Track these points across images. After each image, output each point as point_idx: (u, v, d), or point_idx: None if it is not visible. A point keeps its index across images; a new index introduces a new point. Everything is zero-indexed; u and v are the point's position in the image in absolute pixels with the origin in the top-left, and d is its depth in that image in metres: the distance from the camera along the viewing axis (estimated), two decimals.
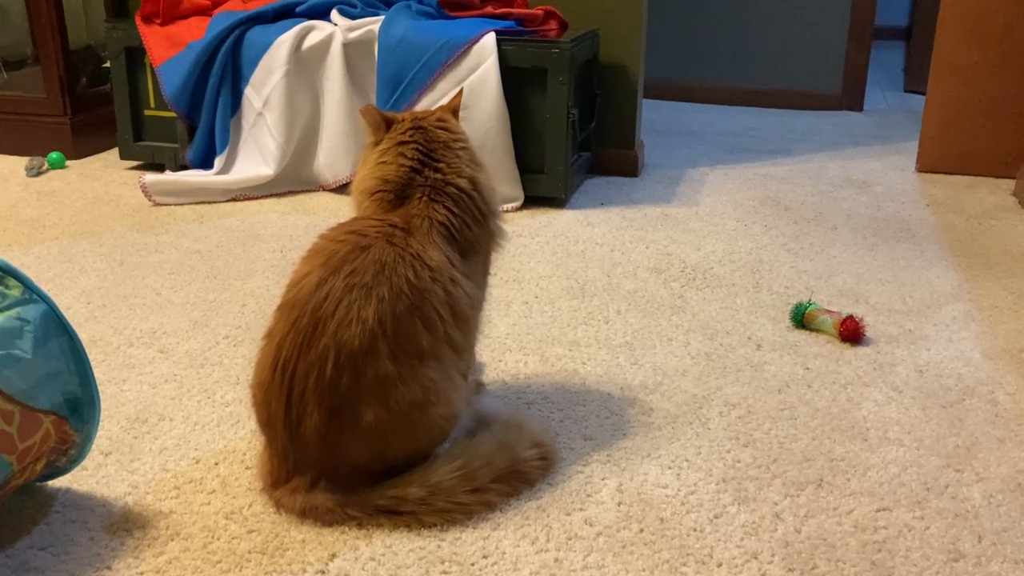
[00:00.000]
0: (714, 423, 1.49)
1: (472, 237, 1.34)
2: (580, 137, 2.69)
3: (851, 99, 4.04)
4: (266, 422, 1.24)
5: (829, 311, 1.83)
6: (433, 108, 1.45)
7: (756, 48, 4.06)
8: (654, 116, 3.79)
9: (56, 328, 1.18)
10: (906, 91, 4.52)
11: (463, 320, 1.28)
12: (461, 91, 1.47)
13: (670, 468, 1.36)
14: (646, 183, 2.85)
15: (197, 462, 1.36)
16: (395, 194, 1.31)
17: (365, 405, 1.18)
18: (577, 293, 2.00)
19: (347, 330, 1.17)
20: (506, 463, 1.29)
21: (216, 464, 1.35)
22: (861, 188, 2.85)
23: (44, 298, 1.18)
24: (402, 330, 1.20)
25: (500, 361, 1.69)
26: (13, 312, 1.14)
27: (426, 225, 1.28)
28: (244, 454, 1.38)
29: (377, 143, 1.35)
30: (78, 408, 1.20)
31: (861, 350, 1.76)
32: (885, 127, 3.72)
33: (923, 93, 4.33)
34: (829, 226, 2.48)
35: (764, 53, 4.06)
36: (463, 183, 1.32)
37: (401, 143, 1.33)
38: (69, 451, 1.23)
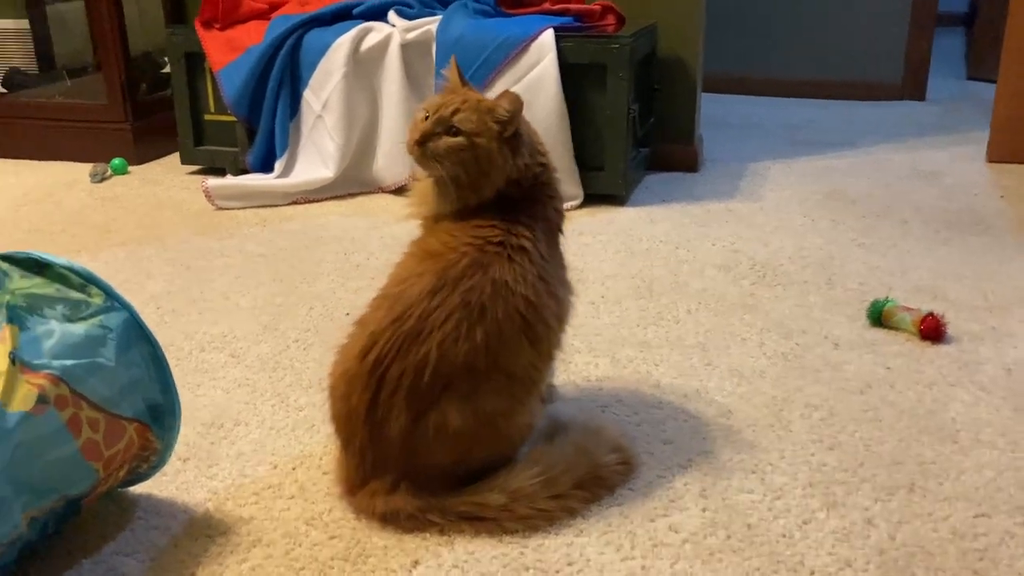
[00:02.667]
0: (796, 426, 1.45)
1: (562, 229, 1.33)
2: (640, 133, 2.65)
3: (913, 88, 3.94)
4: (345, 416, 1.22)
5: (908, 308, 1.77)
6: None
7: (813, 38, 3.98)
8: (710, 109, 3.72)
9: (137, 336, 1.18)
10: (969, 79, 4.39)
11: (564, 322, 1.28)
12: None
13: (754, 472, 1.33)
14: (707, 178, 2.81)
15: (275, 467, 1.35)
16: (519, 194, 1.27)
17: (454, 412, 1.17)
18: (644, 292, 1.97)
19: (453, 346, 1.16)
20: (587, 468, 1.26)
21: (294, 469, 1.35)
22: (930, 180, 2.77)
23: (125, 306, 1.18)
24: (507, 348, 1.19)
25: (570, 363, 1.66)
26: (96, 320, 1.15)
27: (545, 229, 1.26)
28: (320, 459, 1.37)
29: (511, 142, 1.27)
30: (159, 415, 1.20)
31: (943, 348, 1.70)
32: (950, 116, 3.62)
33: (989, 81, 4.21)
34: (899, 220, 2.41)
35: (821, 43, 3.97)
36: (557, 175, 1.30)
37: (530, 136, 1.28)
38: (151, 457, 1.23)
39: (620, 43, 2.41)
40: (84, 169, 2.94)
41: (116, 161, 2.91)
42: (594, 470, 1.27)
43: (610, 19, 2.64)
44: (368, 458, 1.21)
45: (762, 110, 3.78)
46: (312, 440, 1.42)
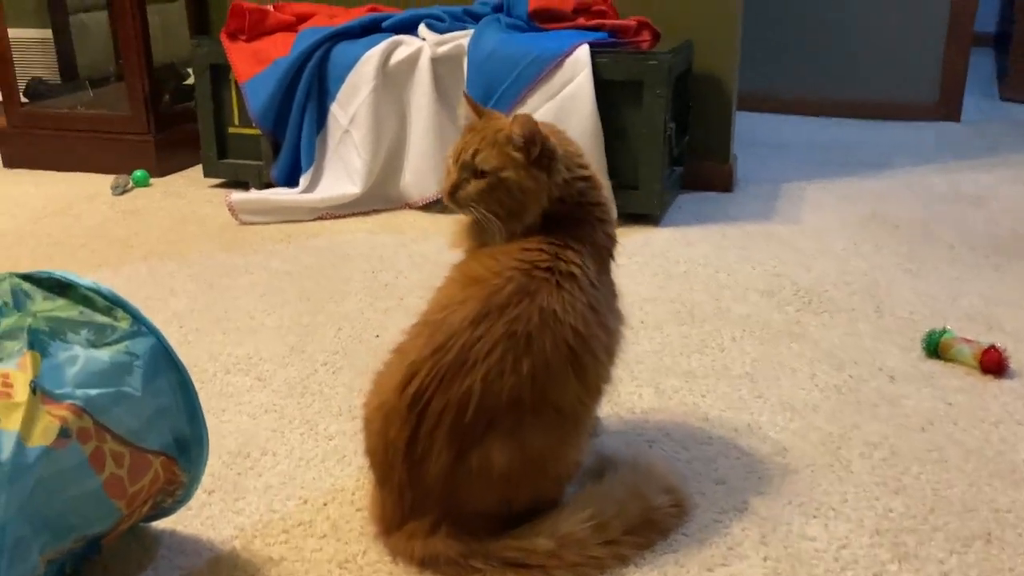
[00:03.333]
0: (856, 466, 1.36)
1: (613, 255, 1.26)
2: (676, 152, 2.57)
3: (948, 109, 3.85)
4: (382, 452, 1.15)
5: (967, 340, 1.69)
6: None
7: (844, 56, 3.90)
8: (741, 128, 3.65)
9: (165, 362, 1.11)
10: (1003, 100, 4.31)
11: (615, 356, 1.20)
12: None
13: (815, 517, 1.24)
14: (742, 198, 2.73)
15: (305, 502, 1.28)
16: (565, 216, 1.20)
17: (499, 451, 1.09)
18: (685, 318, 1.89)
19: (498, 380, 1.08)
20: (639, 512, 1.18)
21: (325, 505, 1.27)
22: (974, 204, 2.68)
23: (153, 330, 1.11)
24: (554, 382, 1.11)
25: (613, 392, 1.58)
26: (122, 346, 1.08)
27: (594, 254, 1.19)
28: (353, 494, 1.29)
29: (540, 162, 1.21)
30: (186, 447, 1.13)
31: (1006, 383, 1.61)
32: (987, 138, 3.53)
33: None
34: (945, 245, 2.33)
35: (853, 61, 3.89)
36: (607, 195, 1.23)
37: (569, 155, 1.22)
38: (176, 492, 1.16)
39: (658, 59, 2.34)
40: (106, 181, 2.89)
41: (138, 173, 2.86)
42: (646, 513, 1.19)
43: (645, 35, 2.57)
44: (407, 498, 1.14)
45: (792, 129, 3.70)
46: (344, 473, 1.35)
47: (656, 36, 2.59)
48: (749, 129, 3.65)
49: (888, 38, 3.84)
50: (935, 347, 1.70)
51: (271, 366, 1.68)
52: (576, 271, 1.17)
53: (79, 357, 1.03)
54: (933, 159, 3.21)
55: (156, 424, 1.08)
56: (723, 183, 2.79)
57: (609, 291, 1.25)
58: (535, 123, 1.17)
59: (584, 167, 1.23)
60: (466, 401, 1.09)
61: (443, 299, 1.16)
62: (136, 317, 1.11)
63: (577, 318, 1.14)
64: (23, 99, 3.16)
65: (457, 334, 1.10)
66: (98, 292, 1.10)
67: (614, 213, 1.27)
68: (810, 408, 1.53)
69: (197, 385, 1.61)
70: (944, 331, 1.71)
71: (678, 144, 2.60)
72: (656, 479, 1.24)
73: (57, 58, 3.29)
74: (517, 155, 1.17)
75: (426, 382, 1.10)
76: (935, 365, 1.68)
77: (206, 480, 1.32)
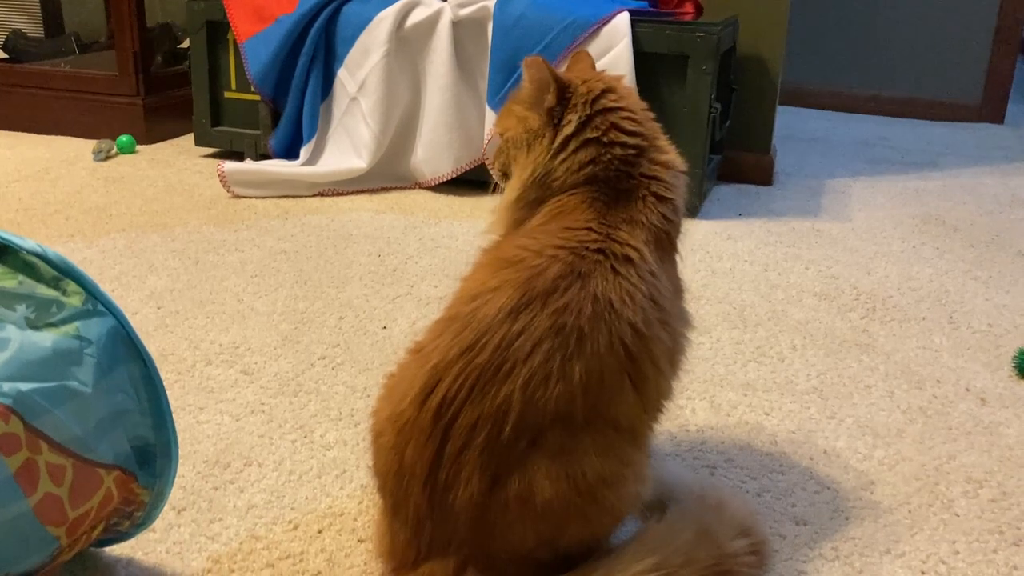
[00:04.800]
0: (961, 507, 1.13)
1: (677, 246, 1.02)
2: (719, 136, 2.34)
3: (992, 111, 3.63)
4: (394, 476, 0.91)
5: None
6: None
7: (888, 55, 3.67)
8: (779, 122, 3.41)
9: (126, 351, 0.87)
10: None
11: (678, 366, 0.97)
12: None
13: (923, 573, 1.01)
14: (783, 193, 2.49)
15: (295, 527, 1.04)
16: (610, 190, 0.98)
17: (544, 477, 0.86)
18: (736, 321, 1.66)
19: (543, 387, 0.85)
20: (711, 559, 0.95)
21: (320, 532, 1.03)
22: None
23: (112, 309, 0.87)
24: (608, 390, 0.88)
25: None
26: (71, 328, 0.84)
27: (652, 239, 0.95)
28: (355, 519, 1.06)
29: (551, 113, 1.01)
30: (149, 459, 0.89)
31: None
32: None
33: None
34: (1015, 252, 2.10)
35: (897, 59, 3.66)
36: (683, 181, 1.00)
37: (609, 111, 0.99)
38: (135, 513, 0.92)
39: (706, 32, 2.10)
40: (88, 146, 2.64)
41: (123, 139, 2.61)
42: (720, 562, 0.95)
43: (688, 7, 2.34)
44: (425, 532, 0.90)
45: (828, 124, 3.47)
46: (343, 492, 1.11)
47: (699, 9, 2.36)
48: (787, 123, 3.43)
49: (934, 37, 3.61)
50: None
51: (260, 358, 1.44)
52: (633, 255, 0.93)
53: (11, 340, 0.80)
54: (982, 161, 2.98)
55: (110, 429, 0.84)
56: (763, 175, 2.56)
57: (674, 286, 1.02)
58: (544, 66, 0.98)
59: (633, 132, 1.00)
60: (504, 414, 0.86)
61: (472, 288, 0.92)
62: (91, 292, 0.87)
63: (636, 312, 0.91)
64: (1, 55, 2.91)
65: (491, 329, 0.86)
66: (44, 258, 0.86)
67: (679, 194, 1.02)
68: (894, 433, 1.30)
69: (173, 377, 1.39)
70: None
71: (720, 128, 2.37)
72: (729, 518, 1.01)
73: (42, 11, 3.03)
74: (518, 108, 1.01)
75: (454, 390, 0.86)
76: None
77: (176, 495, 1.08)
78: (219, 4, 2.42)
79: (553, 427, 0.88)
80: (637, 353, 0.91)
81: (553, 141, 1.00)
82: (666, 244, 1.01)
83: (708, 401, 1.37)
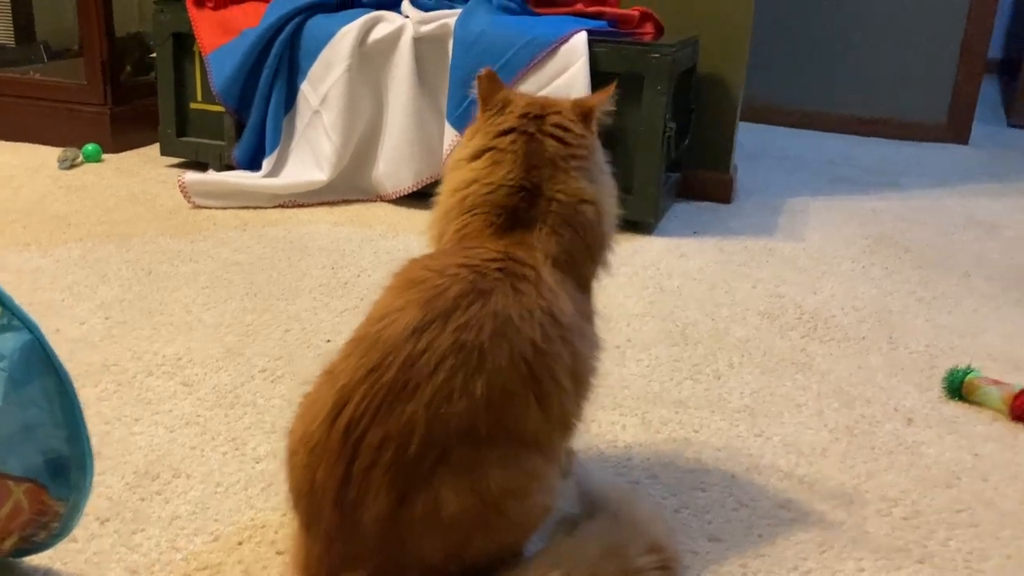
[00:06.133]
0: (873, 525, 1.16)
1: (586, 272, 1.04)
2: (674, 155, 2.37)
3: (957, 131, 3.67)
4: (307, 494, 0.94)
5: (996, 381, 1.49)
6: (562, 100, 1.13)
7: (853, 72, 3.72)
8: (743, 139, 3.46)
9: (40, 365, 0.89)
10: (1010, 126, 4.15)
11: (584, 386, 0.99)
12: (615, 85, 1.15)
13: None
14: (742, 211, 2.53)
15: (216, 539, 1.06)
16: (509, 216, 1.01)
17: (449, 492, 0.88)
18: (677, 338, 1.69)
19: (446, 403, 0.88)
20: (617, 574, 0.97)
21: (240, 544, 1.05)
22: (989, 231, 2.49)
23: (27, 323, 0.89)
24: (511, 408, 0.91)
25: (592, 421, 1.37)
26: None
27: (550, 263, 0.98)
28: (276, 532, 1.08)
29: (471, 132, 1.05)
30: (62, 471, 0.91)
31: None
32: (998, 164, 3.35)
33: None
34: (960, 273, 2.14)
35: (863, 77, 3.71)
36: (589, 211, 1.02)
37: (504, 140, 1.03)
38: (50, 524, 0.94)
39: (661, 52, 2.14)
40: (54, 154, 2.66)
41: (89, 147, 2.63)
42: None
43: (648, 27, 2.38)
44: (336, 548, 0.92)
45: (796, 142, 3.52)
46: (268, 504, 1.13)
47: (660, 29, 2.39)
48: (751, 141, 3.47)
49: (899, 55, 3.66)
50: (958, 387, 1.51)
51: (201, 370, 1.46)
52: (530, 273, 0.97)
53: None
54: (942, 182, 3.03)
55: (21, 443, 0.86)
56: (722, 193, 2.59)
57: (579, 307, 1.04)
58: (484, 82, 1.09)
59: (527, 162, 1.03)
60: (409, 432, 0.88)
61: (379, 309, 0.95)
62: (7, 306, 0.89)
63: (535, 328, 0.93)
64: None
65: (395, 349, 0.89)
66: None
67: (580, 221, 1.04)
68: (818, 452, 1.33)
69: (112, 388, 1.41)
70: (968, 370, 1.52)
71: (677, 147, 2.40)
72: (641, 534, 1.03)
73: (13, 18, 3.05)
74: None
75: (360, 410, 0.89)
76: (958, 408, 1.48)
77: (101, 505, 1.10)
78: (186, 16, 2.45)
79: (459, 442, 0.90)
80: (538, 369, 0.93)
81: (468, 159, 1.04)
82: (567, 267, 1.03)
83: (640, 417, 1.40)
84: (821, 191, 2.81)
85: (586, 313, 1.04)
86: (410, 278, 0.96)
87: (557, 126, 1.04)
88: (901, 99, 3.69)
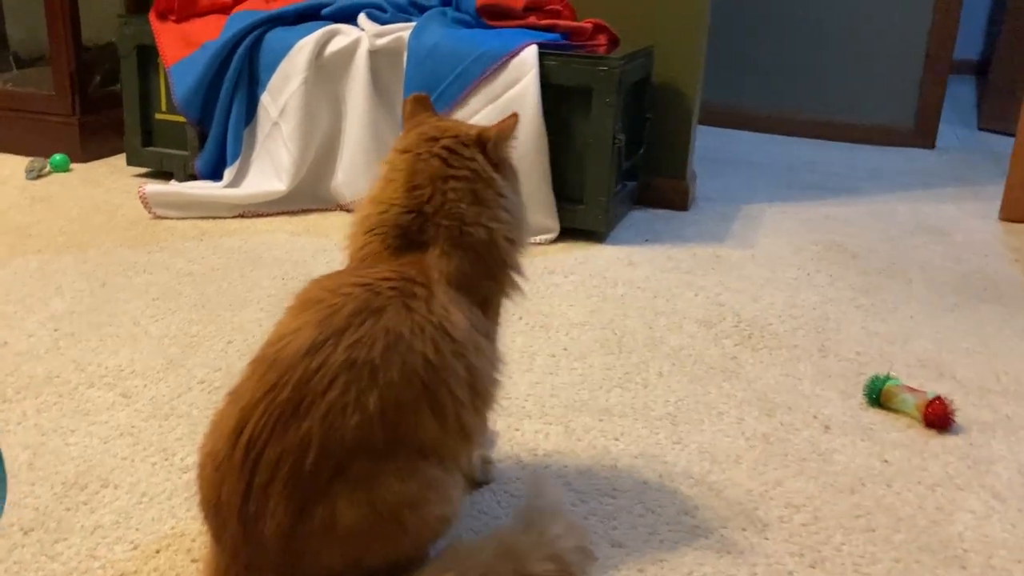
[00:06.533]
0: (773, 531, 1.21)
1: (486, 292, 1.09)
2: (626, 165, 2.42)
3: (923, 135, 3.72)
4: (214, 507, 0.99)
5: (912, 389, 1.54)
6: (471, 124, 1.17)
7: (820, 76, 3.77)
8: (704, 143, 3.51)
9: None
10: (981, 129, 4.19)
11: (483, 399, 1.04)
12: (515, 118, 1.13)
13: None
14: (697, 218, 2.58)
15: (135, 547, 1.11)
16: (403, 237, 1.06)
17: (346, 504, 0.93)
18: (613, 347, 1.73)
19: (340, 418, 0.92)
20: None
21: (157, 552, 1.10)
22: (937, 236, 2.54)
23: None
24: (406, 420, 0.96)
25: (516, 430, 1.42)
26: None
27: (445, 282, 1.03)
28: (193, 540, 1.13)
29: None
30: None
31: (950, 440, 1.46)
32: (961, 168, 3.40)
33: (1002, 132, 4.01)
34: (903, 280, 2.19)
35: (829, 81, 3.76)
36: (479, 233, 1.06)
37: (398, 159, 1.09)
38: None
39: (609, 65, 2.18)
40: (22, 163, 2.70)
41: (57, 157, 2.67)
42: None
43: (601, 39, 2.42)
44: (241, 559, 0.97)
45: (760, 147, 3.57)
46: (189, 514, 1.18)
47: (614, 41, 2.44)
48: (714, 145, 3.52)
49: (865, 59, 3.71)
50: (877, 395, 1.55)
51: (141, 381, 1.51)
52: (421, 291, 1.01)
53: None
54: (901, 187, 3.07)
55: None
56: (679, 201, 2.64)
57: (478, 324, 1.08)
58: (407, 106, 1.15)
59: (420, 186, 1.07)
60: (305, 447, 0.93)
61: (279, 330, 1.00)
62: None
63: (426, 343, 0.98)
64: None
65: (291, 368, 0.94)
66: None
67: (472, 244, 1.07)
68: (732, 459, 1.37)
69: (52, 400, 1.45)
70: (888, 377, 1.57)
71: (630, 157, 2.45)
72: (542, 541, 1.08)
73: None
74: None
75: (259, 428, 0.94)
76: (876, 415, 1.53)
77: (27, 515, 1.15)
78: (149, 29, 2.49)
79: (355, 456, 0.95)
80: (431, 382, 0.98)
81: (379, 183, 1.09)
82: (464, 287, 1.07)
83: (564, 426, 1.45)
84: (778, 197, 2.85)
85: (484, 329, 1.08)
86: (308, 298, 1.00)
87: (445, 148, 1.08)
88: (869, 104, 3.74)
